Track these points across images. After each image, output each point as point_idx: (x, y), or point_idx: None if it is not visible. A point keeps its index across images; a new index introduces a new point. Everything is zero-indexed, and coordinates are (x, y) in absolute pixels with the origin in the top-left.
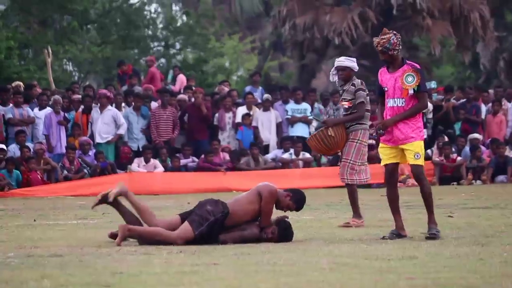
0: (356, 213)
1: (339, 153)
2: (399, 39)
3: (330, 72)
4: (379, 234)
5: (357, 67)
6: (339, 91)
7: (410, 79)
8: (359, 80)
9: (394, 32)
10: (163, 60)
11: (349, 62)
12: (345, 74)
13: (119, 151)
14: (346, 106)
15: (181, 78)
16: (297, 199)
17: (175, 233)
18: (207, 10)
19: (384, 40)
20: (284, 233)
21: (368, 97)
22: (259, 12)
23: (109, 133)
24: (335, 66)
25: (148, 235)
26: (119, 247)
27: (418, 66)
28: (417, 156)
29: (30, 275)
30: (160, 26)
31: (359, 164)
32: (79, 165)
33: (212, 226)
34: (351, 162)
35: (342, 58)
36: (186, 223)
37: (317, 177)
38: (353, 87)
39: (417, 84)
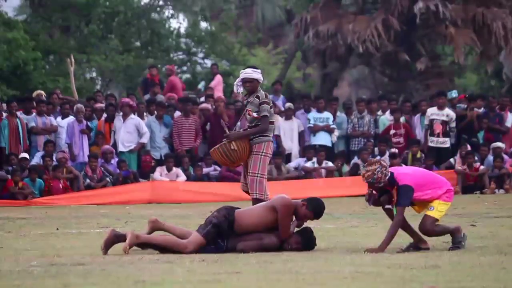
0: None
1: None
2: (385, 171)
3: (235, 83)
4: (402, 243)
5: (262, 79)
6: (244, 102)
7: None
8: (264, 93)
9: (381, 162)
10: (184, 68)
11: (256, 74)
12: (252, 86)
13: (142, 159)
14: (255, 115)
15: (218, 78)
16: (313, 207)
17: (184, 240)
18: (229, 17)
19: (369, 173)
20: (307, 241)
21: (272, 110)
22: (282, 21)
23: (132, 141)
24: (241, 77)
25: (157, 243)
26: (141, 255)
27: (400, 184)
28: (431, 208)
29: (53, 283)
30: (182, 33)
31: (265, 177)
32: (101, 174)
33: (218, 227)
34: (259, 175)
35: (249, 70)
36: (193, 231)
37: (340, 186)
38: (258, 100)
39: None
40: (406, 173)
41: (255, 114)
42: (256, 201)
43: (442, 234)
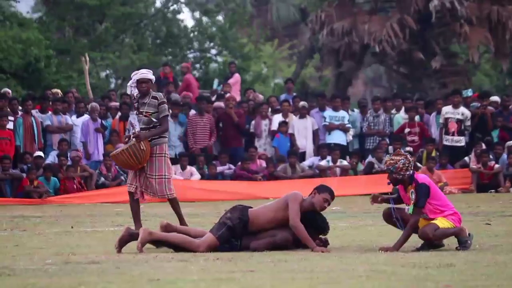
0: (182, 221)
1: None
2: (408, 164)
3: (128, 85)
4: (417, 242)
5: (155, 79)
6: (135, 103)
7: (413, 196)
8: (160, 93)
9: (406, 155)
10: (197, 66)
11: (151, 74)
12: (148, 86)
13: None
14: (154, 120)
15: (236, 77)
16: (318, 188)
17: (198, 240)
18: (240, 14)
19: (392, 162)
20: (318, 224)
21: (169, 110)
22: (296, 20)
23: None
24: (136, 78)
25: (171, 241)
26: (156, 254)
27: (420, 182)
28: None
29: (68, 282)
30: (194, 31)
31: (171, 177)
32: (116, 172)
33: (232, 230)
34: (166, 177)
35: (144, 71)
36: (208, 232)
37: (354, 185)
38: (155, 100)
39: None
40: (426, 177)
41: (153, 118)
42: (171, 200)
43: (443, 238)
